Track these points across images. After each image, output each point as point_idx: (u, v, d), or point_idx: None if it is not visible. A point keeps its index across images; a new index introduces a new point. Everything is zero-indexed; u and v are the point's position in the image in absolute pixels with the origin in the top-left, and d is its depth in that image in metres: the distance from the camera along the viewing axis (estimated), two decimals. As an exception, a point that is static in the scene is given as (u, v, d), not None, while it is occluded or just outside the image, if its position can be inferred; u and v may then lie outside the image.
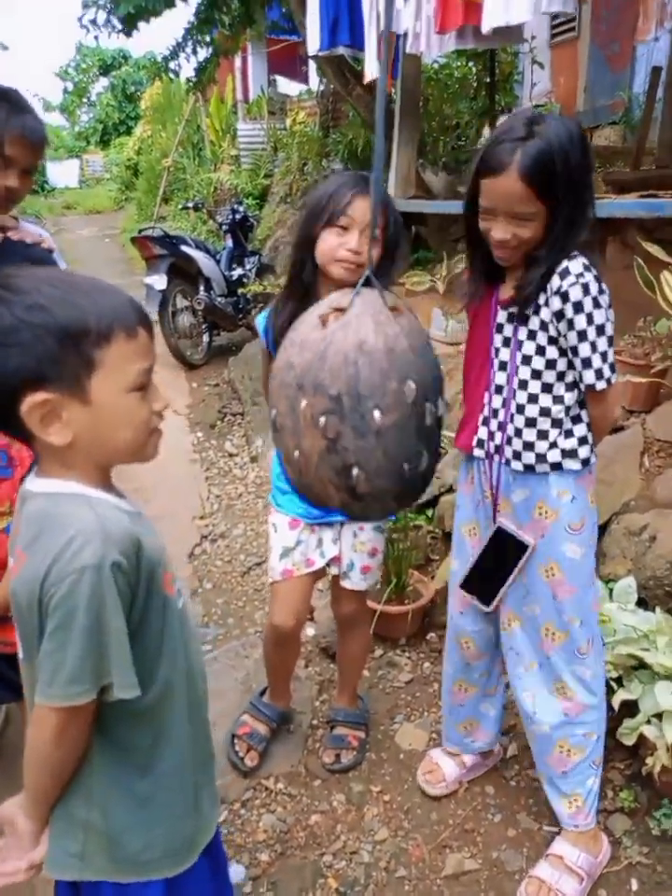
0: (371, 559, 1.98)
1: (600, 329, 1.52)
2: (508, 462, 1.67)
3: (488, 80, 5.54)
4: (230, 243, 6.18)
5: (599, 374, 1.55)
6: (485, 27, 3.47)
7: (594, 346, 1.53)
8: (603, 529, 2.47)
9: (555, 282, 1.51)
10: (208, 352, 5.78)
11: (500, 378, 1.66)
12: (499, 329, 1.65)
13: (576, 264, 1.49)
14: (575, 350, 1.55)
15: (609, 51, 7.33)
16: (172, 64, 6.87)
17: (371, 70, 4.60)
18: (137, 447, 1.02)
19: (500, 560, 1.71)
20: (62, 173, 22.12)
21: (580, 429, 1.64)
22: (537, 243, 1.51)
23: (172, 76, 7.25)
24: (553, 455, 1.63)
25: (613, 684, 1.92)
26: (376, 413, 0.97)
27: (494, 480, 1.70)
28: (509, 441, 1.66)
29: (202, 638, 2.70)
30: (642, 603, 2.19)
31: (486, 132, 5.73)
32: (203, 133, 11.37)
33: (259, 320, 1.90)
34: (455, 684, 1.96)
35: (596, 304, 1.50)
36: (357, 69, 5.64)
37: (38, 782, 1.01)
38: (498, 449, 1.67)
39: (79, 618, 0.88)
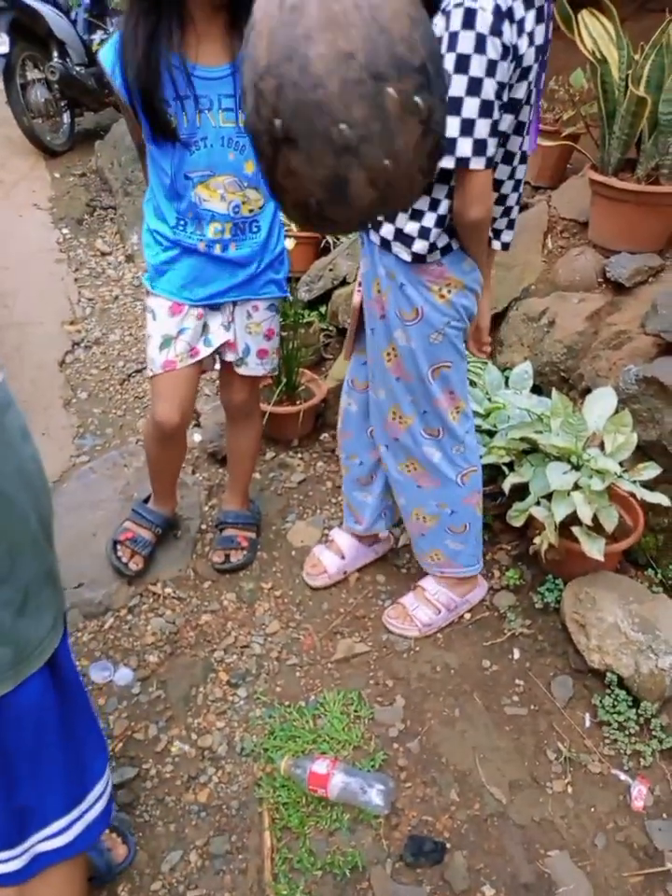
0: (267, 342, 1.80)
1: (474, 85, 1.17)
2: None
3: None
4: (87, -1, 5.15)
5: (450, 147, 1.22)
6: None
7: (455, 105, 1.19)
8: (501, 317, 2.35)
9: None
10: (71, 136, 5.00)
11: None
12: None
13: None
14: None
15: None
16: None
17: None
18: None
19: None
20: None
21: (428, 218, 1.38)
22: None
23: None
24: (386, 231, 1.42)
25: (505, 469, 1.88)
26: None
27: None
28: None
29: (77, 450, 2.50)
30: (537, 390, 2.12)
31: None
32: None
33: (105, 56, 1.47)
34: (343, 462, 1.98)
35: (479, 47, 1.14)
36: None
37: None
38: None
39: None
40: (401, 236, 1.42)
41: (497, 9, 1.14)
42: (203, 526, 2.21)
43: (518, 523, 1.82)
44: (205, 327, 1.72)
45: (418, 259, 1.43)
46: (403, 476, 1.74)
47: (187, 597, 1.99)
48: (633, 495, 1.76)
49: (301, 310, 2.71)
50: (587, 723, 1.64)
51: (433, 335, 1.51)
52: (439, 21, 1.20)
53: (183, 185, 1.55)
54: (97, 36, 5.00)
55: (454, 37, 1.16)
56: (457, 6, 1.16)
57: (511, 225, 1.51)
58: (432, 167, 0.83)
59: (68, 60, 4.68)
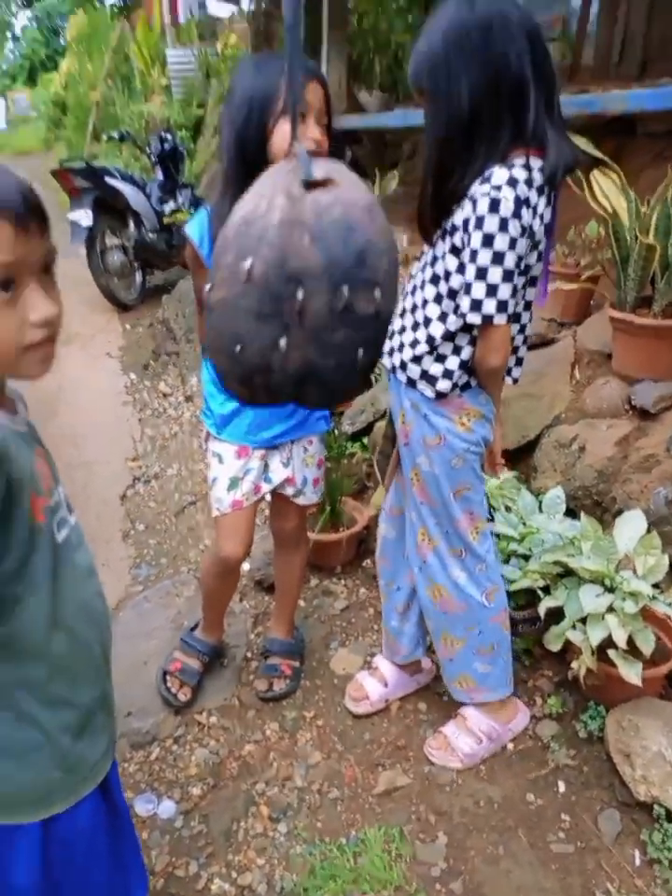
0: (318, 471, 1.95)
1: (497, 258, 1.39)
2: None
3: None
4: (160, 175, 5.86)
5: (476, 306, 1.43)
6: None
7: (481, 273, 1.40)
8: (534, 444, 2.44)
9: (474, 186, 1.40)
10: (142, 292, 5.55)
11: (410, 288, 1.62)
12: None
13: (501, 174, 1.37)
14: (461, 268, 1.45)
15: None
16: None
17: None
18: (2, 364, 0.85)
19: None
20: (-14, 114, 20.85)
21: (452, 362, 1.55)
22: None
23: (97, 1, 6.75)
24: (413, 371, 1.60)
25: (540, 593, 1.90)
26: (206, 288, 0.95)
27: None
28: (391, 335, 1.63)
29: (133, 580, 2.63)
30: (571, 513, 2.17)
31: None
32: (131, 64, 10.72)
33: (192, 229, 1.67)
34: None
35: (503, 227, 1.37)
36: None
37: None
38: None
39: None
40: (426, 376, 1.58)
41: (517, 199, 1.36)
42: (249, 654, 2.26)
43: (555, 647, 1.82)
44: (266, 465, 1.86)
45: (441, 396, 1.58)
46: (431, 602, 1.79)
47: (231, 727, 2.01)
48: (669, 616, 1.75)
49: (345, 442, 2.87)
50: (637, 861, 1.56)
51: (454, 460, 1.63)
52: (466, 205, 1.42)
53: None
54: (167, 207, 5.65)
55: (480, 220, 1.38)
56: (483, 195, 1.37)
57: (519, 362, 1.66)
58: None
59: (143, 228, 5.29)
